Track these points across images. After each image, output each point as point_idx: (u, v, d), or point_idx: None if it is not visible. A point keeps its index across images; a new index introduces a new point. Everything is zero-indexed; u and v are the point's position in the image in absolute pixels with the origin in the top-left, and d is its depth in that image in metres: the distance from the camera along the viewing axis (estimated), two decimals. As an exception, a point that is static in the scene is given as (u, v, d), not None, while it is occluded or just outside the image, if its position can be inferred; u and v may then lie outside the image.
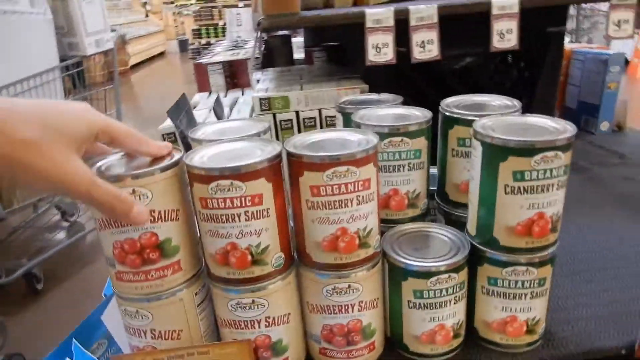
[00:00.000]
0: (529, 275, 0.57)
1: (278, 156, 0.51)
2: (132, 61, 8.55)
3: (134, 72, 8.56)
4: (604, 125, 1.40)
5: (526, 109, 1.33)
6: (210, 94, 1.36)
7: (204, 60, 1.42)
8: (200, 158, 0.52)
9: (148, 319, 0.54)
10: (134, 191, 0.48)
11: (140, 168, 0.50)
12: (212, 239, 0.52)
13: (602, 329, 0.64)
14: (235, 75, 1.38)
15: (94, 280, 2.49)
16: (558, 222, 0.56)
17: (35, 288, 2.35)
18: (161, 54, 10.60)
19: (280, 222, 0.52)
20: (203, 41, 7.69)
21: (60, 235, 2.80)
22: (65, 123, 0.42)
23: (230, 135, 0.60)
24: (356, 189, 0.51)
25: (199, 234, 0.55)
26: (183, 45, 10.71)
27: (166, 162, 0.51)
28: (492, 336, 0.61)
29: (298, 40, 1.98)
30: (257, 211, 0.50)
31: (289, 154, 0.52)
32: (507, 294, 0.58)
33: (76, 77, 2.58)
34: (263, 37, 1.32)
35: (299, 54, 1.78)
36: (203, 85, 1.38)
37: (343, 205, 0.51)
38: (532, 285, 0.58)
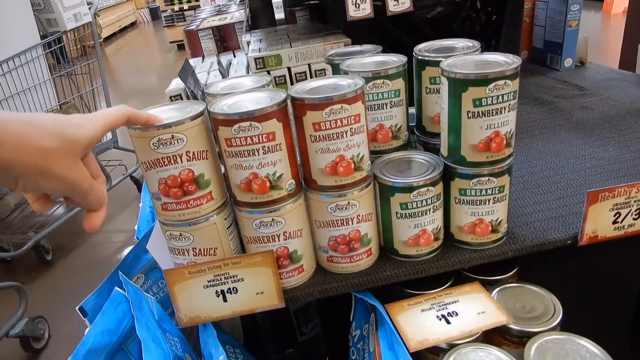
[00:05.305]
0: (490, 184, 0.71)
1: (285, 101, 0.63)
2: (104, 33, 8.38)
3: (107, 44, 8.39)
4: (568, 62, 1.53)
5: (495, 50, 1.43)
6: (203, 58, 1.45)
7: (193, 27, 1.50)
8: (222, 107, 0.64)
9: (190, 240, 0.67)
10: (172, 136, 0.60)
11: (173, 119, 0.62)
12: (237, 171, 0.64)
13: (553, 225, 0.79)
14: (224, 39, 1.47)
15: (98, 250, 2.63)
16: (512, 138, 0.69)
17: (45, 259, 2.47)
18: (132, 24, 10.36)
19: (290, 154, 0.65)
20: (176, 7, 7.54)
21: (59, 210, 2.90)
22: (74, 133, 0.48)
23: (239, 89, 0.72)
24: (349, 123, 0.64)
25: (223, 171, 0.68)
26: (154, 13, 10.47)
27: (193, 112, 0.63)
28: (464, 237, 0.76)
29: (276, 1, 2.05)
30: (272, 146, 0.62)
31: (293, 99, 0.64)
32: (475, 201, 0.72)
33: (59, 53, 2.62)
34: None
35: (278, 14, 1.86)
36: (195, 50, 1.47)
37: (340, 137, 0.64)
38: (494, 192, 0.72)
